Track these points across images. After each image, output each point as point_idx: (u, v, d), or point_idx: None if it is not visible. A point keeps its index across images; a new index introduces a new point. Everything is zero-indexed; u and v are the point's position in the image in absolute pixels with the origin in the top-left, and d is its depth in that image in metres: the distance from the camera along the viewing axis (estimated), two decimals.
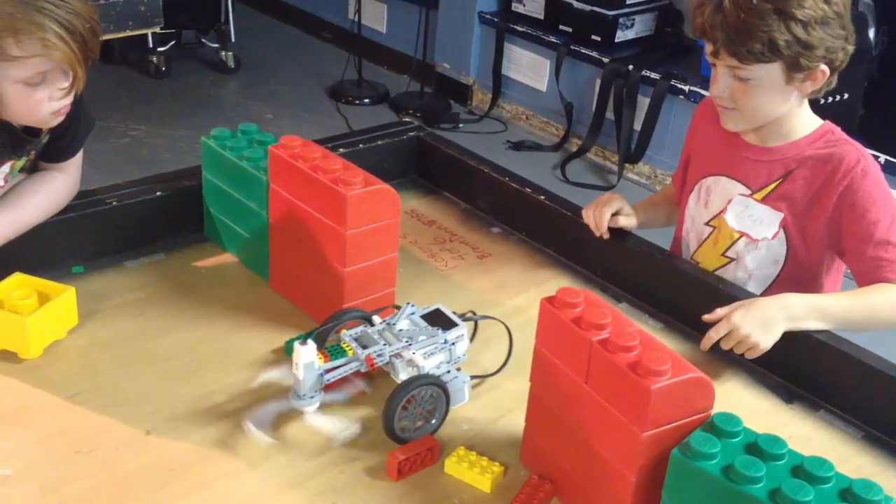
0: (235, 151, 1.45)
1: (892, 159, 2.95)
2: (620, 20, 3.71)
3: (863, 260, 1.38)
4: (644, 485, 0.95)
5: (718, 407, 0.96)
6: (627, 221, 1.49)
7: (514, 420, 1.16)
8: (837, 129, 1.44)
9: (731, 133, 1.48)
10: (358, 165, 1.31)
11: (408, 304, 1.23)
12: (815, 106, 1.46)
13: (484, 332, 1.32)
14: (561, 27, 3.82)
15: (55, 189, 1.40)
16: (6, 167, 1.35)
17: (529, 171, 3.46)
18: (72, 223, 1.43)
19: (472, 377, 1.23)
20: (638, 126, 3.59)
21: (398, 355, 1.17)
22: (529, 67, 4.00)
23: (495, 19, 4.03)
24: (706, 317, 1.29)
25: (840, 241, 1.41)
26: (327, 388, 1.17)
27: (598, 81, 3.68)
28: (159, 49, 4.25)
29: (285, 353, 1.27)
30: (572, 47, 3.75)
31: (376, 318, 1.23)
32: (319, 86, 4.34)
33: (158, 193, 1.51)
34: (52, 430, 1.11)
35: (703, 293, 1.37)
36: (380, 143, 1.78)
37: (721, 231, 1.50)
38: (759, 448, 0.89)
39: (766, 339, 1.26)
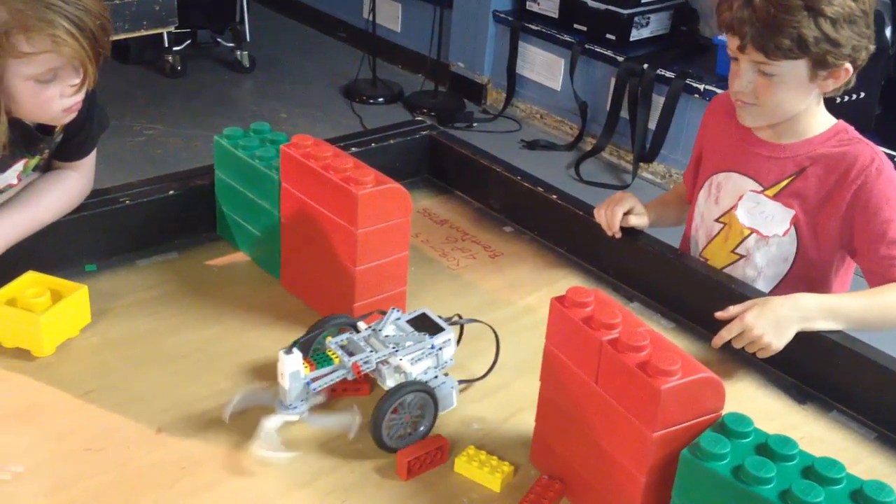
0: (248, 150, 1.46)
1: None
2: (635, 19, 3.69)
3: (875, 259, 1.37)
4: (654, 485, 0.95)
5: (731, 407, 0.95)
6: (639, 220, 1.48)
7: (524, 420, 1.16)
8: (851, 129, 1.43)
9: (743, 129, 1.47)
10: (370, 164, 1.31)
11: (393, 309, 1.21)
12: (832, 105, 1.46)
13: (473, 335, 1.29)
14: (575, 26, 3.81)
15: (69, 188, 1.41)
16: (20, 165, 1.36)
17: (543, 170, 3.46)
18: (85, 222, 1.43)
19: (460, 382, 1.21)
20: (653, 125, 3.58)
21: (385, 362, 1.15)
22: (544, 66, 4.00)
23: (510, 18, 4.03)
24: (719, 314, 1.29)
25: (852, 240, 1.40)
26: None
27: (613, 80, 3.67)
28: (175, 48, 4.26)
29: None
30: (587, 46, 3.74)
31: (362, 325, 1.20)
32: (334, 85, 4.35)
33: (171, 192, 1.52)
34: (64, 428, 1.12)
35: (715, 293, 1.37)
36: (392, 142, 1.78)
37: (731, 227, 1.49)
38: (770, 449, 0.89)
39: (778, 340, 1.25)
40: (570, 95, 3.83)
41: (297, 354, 1.10)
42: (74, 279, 1.30)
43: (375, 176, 1.29)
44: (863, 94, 2.90)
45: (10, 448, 1.08)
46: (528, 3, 4.00)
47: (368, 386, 1.21)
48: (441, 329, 1.19)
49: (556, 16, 3.89)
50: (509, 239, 1.63)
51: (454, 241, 1.62)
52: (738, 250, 1.49)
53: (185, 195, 1.54)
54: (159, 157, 3.53)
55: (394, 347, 1.15)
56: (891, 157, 1.49)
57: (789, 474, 0.87)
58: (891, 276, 1.34)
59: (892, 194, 1.37)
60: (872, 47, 1.37)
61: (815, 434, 1.21)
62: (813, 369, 1.29)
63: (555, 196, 1.60)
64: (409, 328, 1.19)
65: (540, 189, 1.63)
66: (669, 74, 3.48)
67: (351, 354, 1.14)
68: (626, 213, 1.48)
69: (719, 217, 1.51)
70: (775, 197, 1.45)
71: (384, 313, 1.21)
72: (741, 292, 1.35)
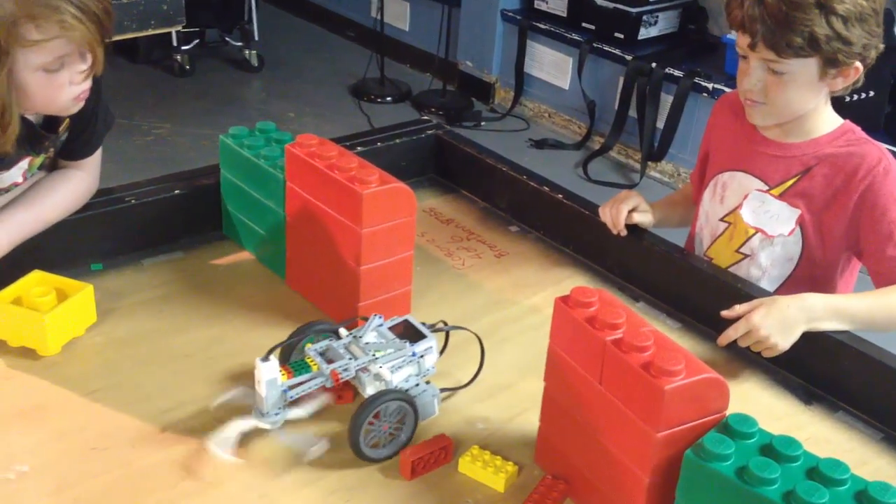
0: (253, 150, 1.46)
1: None
2: (644, 18, 3.68)
3: (882, 260, 1.36)
4: (658, 485, 0.95)
5: (736, 407, 0.95)
6: (642, 218, 1.48)
7: (528, 420, 1.16)
8: (858, 129, 1.43)
9: (749, 128, 1.47)
10: (376, 164, 1.31)
11: (375, 315, 1.20)
12: (840, 103, 1.45)
13: (462, 343, 1.27)
14: (584, 25, 3.80)
15: (74, 187, 1.41)
16: (24, 163, 1.36)
17: (551, 169, 3.47)
18: (91, 221, 1.44)
19: (443, 390, 1.19)
20: (661, 124, 3.57)
21: (365, 369, 1.13)
22: (552, 65, 3.99)
23: (518, 17, 4.02)
24: (725, 313, 1.28)
25: (859, 241, 1.40)
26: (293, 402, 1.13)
27: (621, 79, 3.66)
28: (183, 48, 4.27)
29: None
30: (595, 45, 3.74)
31: (343, 331, 1.18)
32: (342, 84, 4.35)
33: (177, 192, 1.52)
34: (69, 427, 1.12)
35: (721, 293, 1.36)
36: (398, 141, 1.78)
37: (736, 227, 1.49)
38: (774, 449, 0.88)
39: (784, 341, 1.24)
40: (578, 94, 3.83)
41: (273, 362, 1.08)
42: (80, 278, 1.31)
43: (380, 175, 1.29)
44: (871, 93, 2.89)
45: (15, 447, 1.08)
46: (536, 2, 4.00)
47: (351, 393, 1.18)
48: (423, 336, 1.17)
49: (564, 14, 3.88)
50: (515, 238, 1.63)
51: (460, 240, 1.61)
52: (742, 250, 1.48)
53: (191, 194, 1.54)
54: (167, 156, 3.53)
55: (374, 355, 1.13)
56: None
57: (793, 475, 0.86)
58: None
59: None
60: (882, 46, 1.36)
61: (821, 435, 1.21)
62: (819, 370, 1.29)
63: (560, 195, 1.60)
64: (391, 335, 1.17)
65: (546, 188, 1.62)
66: (678, 73, 3.47)
67: (330, 362, 1.12)
68: (631, 211, 1.48)
69: (724, 216, 1.51)
70: (781, 196, 1.44)
71: (366, 319, 1.19)
72: (747, 292, 1.35)
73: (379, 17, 4.25)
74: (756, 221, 1.46)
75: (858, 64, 1.34)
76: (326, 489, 1.06)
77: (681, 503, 0.92)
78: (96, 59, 1.27)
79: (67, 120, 1.37)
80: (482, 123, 4.02)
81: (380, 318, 1.19)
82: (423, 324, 1.20)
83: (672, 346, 0.97)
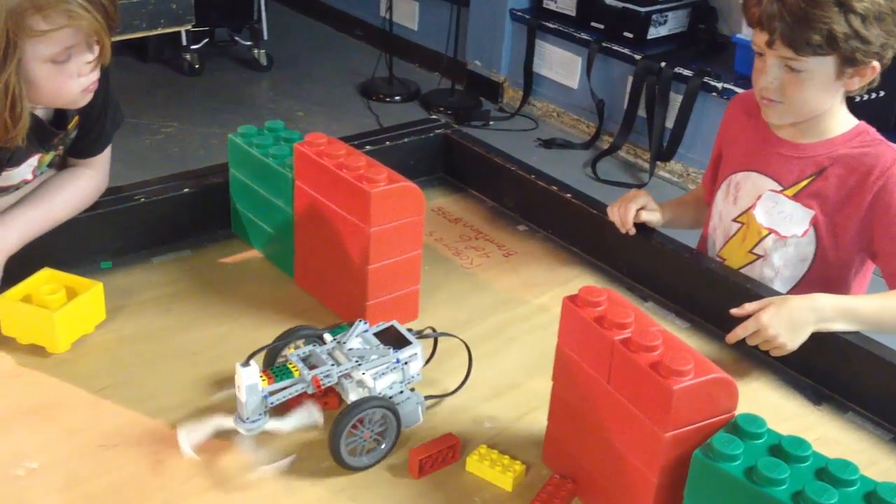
0: (262, 149, 1.46)
1: None
2: (653, 17, 3.67)
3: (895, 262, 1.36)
4: (666, 486, 0.94)
5: (745, 408, 0.94)
6: (650, 216, 1.48)
7: (536, 419, 1.15)
8: (873, 130, 1.42)
9: (763, 128, 1.46)
10: (385, 163, 1.31)
11: (360, 321, 1.18)
12: (851, 103, 1.44)
13: (450, 349, 1.25)
14: (593, 24, 3.80)
15: (84, 185, 1.42)
16: (34, 160, 1.37)
17: (560, 168, 3.46)
18: (100, 219, 1.44)
19: (428, 397, 1.17)
20: (670, 124, 3.56)
21: (348, 376, 1.11)
22: (561, 65, 3.98)
23: (527, 16, 4.01)
24: (734, 311, 1.28)
25: (872, 243, 1.39)
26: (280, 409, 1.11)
27: (630, 79, 3.66)
28: (193, 47, 4.28)
29: None
30: (604, 44, 3.73)
31: (327, 337, 1.16)
32: (351, 83, 4.35)
33: (186, 190, 1.52)
34: (78, 424, 1.13)
35: (730, 293, 1.36)
36: (406, 140, 1.78)
37: (749, 227, 1.48)
38: (783, 450, 0.88)
39: (793, 341, 1.24)
40: (587, 94, 3.82)
41: (254, 367, 1.05)
42: (89, 276, 1.31)
43: (388, 174, 1.29)
44: (882, 93, 2.87)
45: (25, 444, 1.09)
46: (545, 2, 3.99)
47: (336, 399, 1.16)
48: (408, 343, 1.15)
49: (573, 14, 3.87)
50: (523, 238, 1.63)
51: (468, 239, 1.61)
52: (755, 250, 1.48)
53: (200, 193, 1.54)
54: (176, 154, 3.54)
55: (357, 361, 1.11)
56: None
57: (802, 476, 0.86)
58: None
59: None
60: None
61: (830, 435, 1.20)
62: (828, 370, 1.28)
63: (569, 195, 1.60)
64: (376, 341, 1.14)
65: (554, 188, 1.62)
66: (687, 73, 3.46)
67: (312, 368, 1.10)
68: (640, 210, 1.47)
69: (737, 217, 1.50)
70: (795, 197, 1.43)
71: (351, 325, 1.17)
72: (757, 292, 1.34)
73: (388, 17, 4.26)
74: (769, 222, 1.45)
75: (876, 63, 1.33)
76: (334, 487, 1.06)
77: (689, 503, 0.92)
78: (104, 49, 1.27)
79: (77, 117, 1.37)
80: (491, 123, 4.01)
81: (364, 323, 1.17)
82: (410, 330, 1.17)
83: (681, 345, 0.96)
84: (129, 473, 1.06)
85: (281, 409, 1.11)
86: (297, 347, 1.15)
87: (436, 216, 1.67)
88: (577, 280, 1.50)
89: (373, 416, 1.07)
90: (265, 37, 4.43)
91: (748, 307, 1.27)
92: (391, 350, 1.13)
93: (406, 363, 1.14)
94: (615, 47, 3.70)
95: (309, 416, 1.11)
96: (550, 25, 3.92)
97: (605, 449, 1.00)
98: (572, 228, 1.60)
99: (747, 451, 0.88)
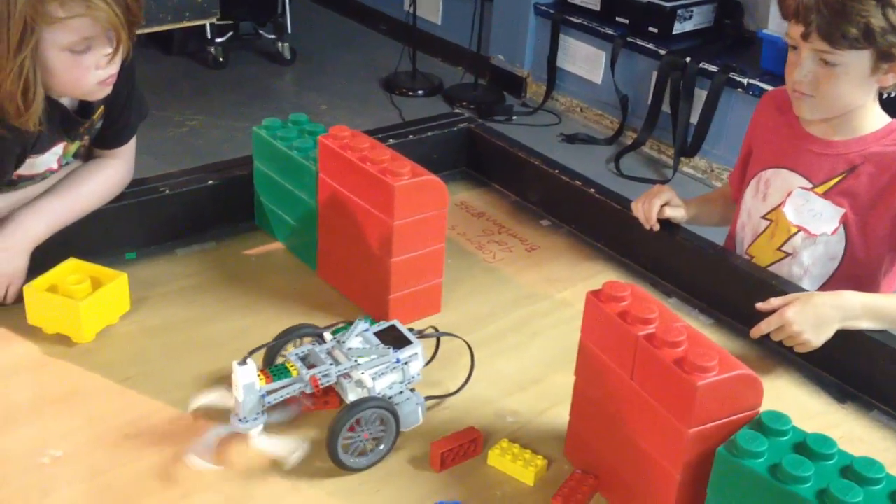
0: (286, 141, 1.46)
1: None
2: (678, 12, 3.65)
3: None
4: (689, 482, 0.94)
5: (769, 405, 0.94)
6: (674, 212, 1.47)
7: (558, 414, 1.15)
8: None
9: (794, 125, 1.45)
10: (408, 156, 1.31)
11: (360, 319, 1.16)
12: (880, 101, 1.42)
13: (455, 349, 1.24)
14: (617, 19, 3.77)
15: (109, 176, 1.42)
16: (59, 149, 1.37)
17: (583, 164, 3.44)
18: (125, 210, 1.45)
19: (428, 398, 1.16)
20: (695, 119, 3.54)
21: (346, 375, 1.09)
22: (585, 60, 3.97)
23: (551, 11, 4.00)
24: (759, 305, 1.27)
25: None
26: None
27: (655, 74, 3.63)
28: (217, 40, 4.30)
29: None
30: (629, 39, 3.71)
31: (327, 336, 1.15)
32: (374, 77, 4.35)
33: (210, 182, 1.53)
34: (103, 413, 1.13)
35: (756, 289, 1.34)
36: (430, 134, 1.78)
37: (778, 225, 1.47)
38: (808, 447, 0.87)
39: (817, 338, 1.23)
40: (611, 89, 3.80)
41: (251, 366, 1.04)
42: (114, 267, 1.32)
43: (412, 168, 1.29)
44: None
45: (50, 433, 1.10)
46: None
47: (337, 399, 1.15)
48: (409, 342, 1.13)
49: (597, 8, 3.85)
50: (546, 232, 1.62)
51: (491, 233, 1.61)
52: (784, 248, 1.47)
53: (224, 185, 1.55)
54: (201, 147, 3.56)
55: (356, 361, 1.10)
56: None
57: (827, 474, 0.85)
58: None
59: None
60: None
61: (855, 433, 1.19)
62: (854, 368, 1.27)
63: (593, 190, 1.59)
64: (376, 340, 1.13)
65: (578, 183, 1.61)
66: (712, 68, 3.43)
67: (311, 367, 1.09)
68: (664, 206, 1.46)
69: (766, 214, 1.49)
70: (825, 195, 1.42)
71: (351, 324, 1.16)
72: (783, 289, 1.33)
73: (411, 11, 4.25)
74: (799, 220, 1.44)
75: None
76: (356, 480, 1.06)
77: (712, 500, 0.91)
78: (122, 43, 1.27)
79: (102, 107, 1.38)
80: (514, 118, 4.00)
81: (365, 322, 1.16)
82: (411, 330, 1.16)
83: (705, 341, 0.96)
84: (153, 463, 1.06)
85: (278, 408, 1.11)
86: (296, 346, 1.14)
87: (459, 210, 1.67)
88: (601, 275, 1.49)
89: (371, 416, 1.06)
90: (289, 30, 4.44)
91: (773, 302, 1.26)
92: (391, 350, 1.12)
93: (406, 363, 1.12)
94: (640, 42, 3.68)
95: (295, 447, 1.08)
96: (574, 20, 3.90)
97: (627, 445, 1.00)
98: (596, 224, 1.59)
99: (772, 449, 0.88)
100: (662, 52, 3.59)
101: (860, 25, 1.27)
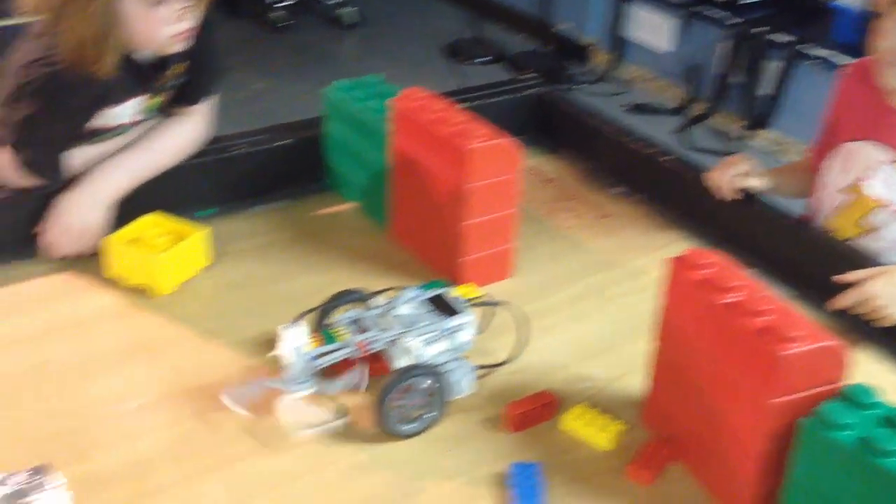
0: (359, 102, 1.47)
1: None
2: None
3: None
4: (770, 453, 0.92)
5: (851, 379, 0.92)
6: (754, 182, 1.44)
7: (632, 381, 1.15)
8: None
9: (879, 98, 1.41)
10: None
11: (410, 286, 1.16)
12: None
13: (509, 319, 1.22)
14: None
15: (188, 133, 1.44)
16: (136, 102, 1.38)
17: (648, 134, 3.39)
18: (204, 167, 1.47)
19: (479, 367, 1.14)
20: (764, 92, 3.46)
21: (395, 342, 1.09)
22: (652, 28, 3.90)
23: None
24: (838, 278, 1.24)
25: None
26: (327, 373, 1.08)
27: (724, 44, 3.56)
28: (281, 4, 4.31)
29: None
30: (698, 8, 3.63)
31: (377, 301, 1.15)
32: (436, 44, 4.33)
33: (285, 142, 1.54)
34: (182, 365, 1.16)
35: (836, 261, 1.32)
36: (500, 98, 1.77)
37: (860, 199, 1.43)
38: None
39: None
40: (678, 59, 3.74)
41: (300, 328, 1.04)
42: (192, 222, 1.33)
43: (486, 131, 1.28)
44: None
45: (132, 381, 1.13)
46: None
47: (386, 365, 1.12)
48: (459, 310, 1.12)
49: None
50: (618, 201, 1.61)
51: (561, 200, 1.60)
52: (865, 223, 1.43)
53: (298, 145, 1.56)
54: (264, 111, 3.58)
55: (406, 327, 1.09)
56: None
57: None
58: None
59: None
60: None
61: None
62: None
63: (668, 158, 1.57)
64: (426, 308, 1.12)
65: (652, 150, 1.59)
66: (783, 40, 3.35)
67: (360, 332, 1.09)
68: (742, 176, 1.44)
69: (847, 187, 1.45)
70: None
71: (401, 290, 1.16)
72: (864, 260, 1.30)
73: None
74: (882, 194, 1.40)
75: None
76: (429, 439, 1.07)
77: (796, 472, 0.90)
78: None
79: (182, 64, 1.39)
80: (577, 86, 3.96)
81: (415, 289, 1.15)
82: (463, 298, 1.16)
83: (791, 311, 0.94)
84: (229, 414, 1.08)
85: (327, 373, 1.10)
86: (346, 311, 1.14)
87: (528, 176, 1.65)
88: (674, 245, 1.47)
89: (419, 383, 1.05)
90: None
91: (854, 275, 1.23)
92: (441, 317, 1.11)
93: (456, 331, 1.11)
94: (709, 12, 3.60)
95: (353, 378, 1.09)
96: None
97: (708, 414, 0.99)
98: (669, 192, 1.57)
99: (859, 421, 0.86)
100: (733, 22, 3.51)
101: None
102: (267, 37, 4.30)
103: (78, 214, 1.31)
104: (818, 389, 0.91)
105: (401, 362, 1.09)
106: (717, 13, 3.57)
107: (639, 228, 1.53)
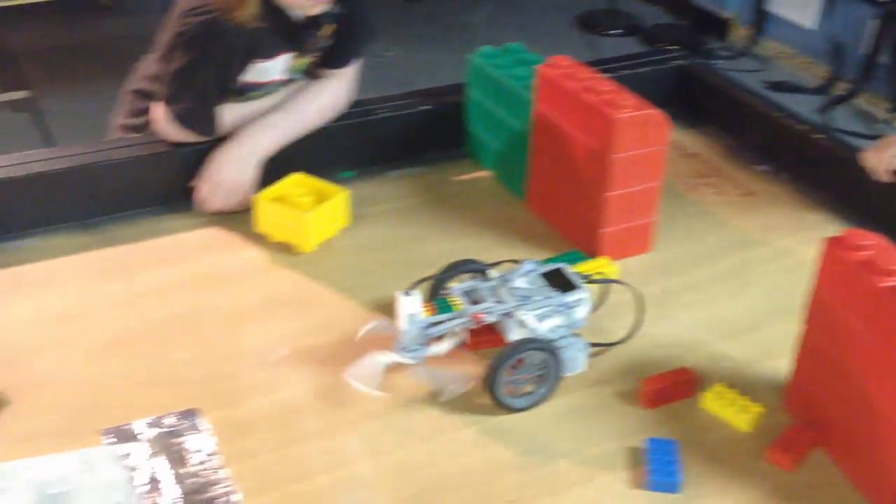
0: (502, 70, 1.46)
1: None
2: None
3: None
4: None
5: None
6: None
7: (775, 364, 1.11)
8: None
9: None
10: None
11: (527, 260, 1.14)
12: None
13: (627, 299, 1.19)
14: None
15: (333, 96, 1.47)
16: (285, 59, 1.40)
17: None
18: (346, 130, 1.49)
19: (593, 345, 1.12)
20: None
21: (509, 315, 1.08)
22: (796, 2, 3.74)
23: None
24: None
25: None
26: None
27: (874, 22, 3.39)
28: None
29: None
30: None
31: (493, 273, 1.14)
32: (569, 15, 4.28)
33: (425, 107, 1.55)
34: (325, 320, 1.18)
35: None
36: (642, 70, 1.73)
37: None
38: None
39: None
40: (823, 35, 3.58)
41: (415, 296, 1.04)
42: (333, 183, 1.36)
43: (635, 101, 1.26)
44: None
45: (277, 333, 1.16)
46: None
47: (500, 338, 1.12)
48: (576, 287, 1.10)
49: None
50: (763, 178, 1.55)
51: (703, 176, 1.56)
52: None
53: (438, 111, 1.57)
54: (398, 78, 3.60)
55: (521, 300, 1.08)
56: None
57: None
58: None
59: None
60: None
61: None
62: None
63: (820, 136, 1.50)
64: (542, 282, 1.10)
65: (805, 128, 1.53)
66: None
67: (474, 303, 1.08)
68: None
69: None
70: None
71: (518, 263, 1.14)
72: None
73: None
74: None
75: None
76: (563, 407, 1.07)
77: None
78: None
79: (331, 26, 1.41)
80: (716, 62, 3.84)
81: (532, 263, 1.14)
82: (580, 274, 1.13)
83: None
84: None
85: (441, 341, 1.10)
86: (461, 281, 1.14)
87: (670, 150, 1.61)
88: (824, 226, 1.41)
89: (532, 358, 1.04)
90: None
91: None
92: (557, 293, 1.09)
93: (572, 307, 1.09)
94: None
95: (460, 381, 1.08)
96: None
97: (859, 402, 0.95)
98: (819, 172, 1.50)
99: None
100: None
101: None
102: (400, 6, 4.33)
103: (229, 171, 1.35)
104: None
105: (514, 335, 1.08)
106: None
107: (785, 208, 1.47)
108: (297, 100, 1.43)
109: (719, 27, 4.04)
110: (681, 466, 0.97)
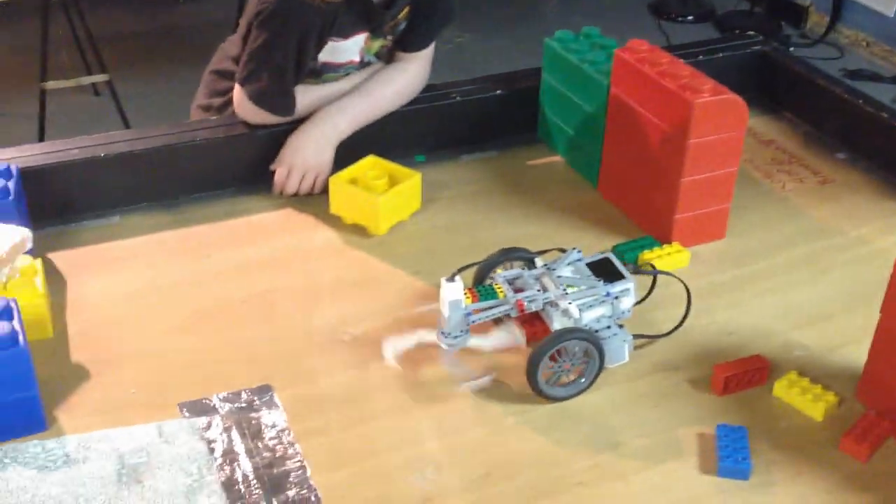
0: (578, 54, 1.46)
1: None
2: None
3: None
4: None
5: None
6: None
7: (850, 352, 1.10)
8: None
9: None
10: None
11: (573, 249, 1.13)
12: None
13: (676, 291, 1.17)
14: None
15: (408, 80, 1.48)
16: (360, 39, 1.41)
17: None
18: (419, 114, 1.50)
19: (637, 336, 1.10)
20: None
21: (553, 303, 1.06)
22: None
23: None
24: None
25: None
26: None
27: None
28: None
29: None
30: None
31: (538, 262, 1.12)
32: (643, 1, 4.22)
33: (498, 92, 1.56)
34: (395, 301, 1.20)
35: None
36: (720, 55, 1.70)
37: None
38: None
39: None
40: None
41: (458, 283, 1.04)
42: (406, 167, 1.37)
43: (713, 85, 1.25)
44: None
45: (349, 313, 1.18)
46: None
47: (543, 326, 1.11)
48: (621, 277, 1.09)
49: None
50: (841, 166, 1.52)
51: (780, 163, 1.53)
52: None
53: (510, 96, 1.57)
54: (467, 63, 3.62)
55: (565, 290, 1.07)
56: None
57: None
58: None
59: None
60: None
61: None
62: None
63: None
64: (587, 272, 1.10)
65: (883, 115, 1.49)
66: None
67: (518, 291, 1.07)
68: None
69: None
70: None
71: (564, 251, 1.14)
72: None
73: None
74: None
75: None
76: (634, 392, 1.07)
77: None
78: None
79: (408, 8, 1.42)
80: (791, 49, 3.76)
81: (578, 252, 1.13)
82: (625, 264, 1.12)
83: None
84: (433, 352, 1.11)
85: (483, 329, 1.11)
86: (506, 269, 1.13)
87: (746, 137, 1.59)
88: None
89: (574, 347, 1.03)
90: None
91: None
92: (602, 282, 1.08)
93: (617, 298, 1.08)
94: None
95: (511, 335, 1.10)
96: None
97: None
98: None
99: None
100: None
101: None
102: None
103: (307, 154, 1.38)
104: None
105: (558, 324, 1.07)
106: None
107: (864, 196, 1.44)
108: (374, 83, 1.45)
109: (795, 14, 3.95)
110: (750, 453, 0.97)
